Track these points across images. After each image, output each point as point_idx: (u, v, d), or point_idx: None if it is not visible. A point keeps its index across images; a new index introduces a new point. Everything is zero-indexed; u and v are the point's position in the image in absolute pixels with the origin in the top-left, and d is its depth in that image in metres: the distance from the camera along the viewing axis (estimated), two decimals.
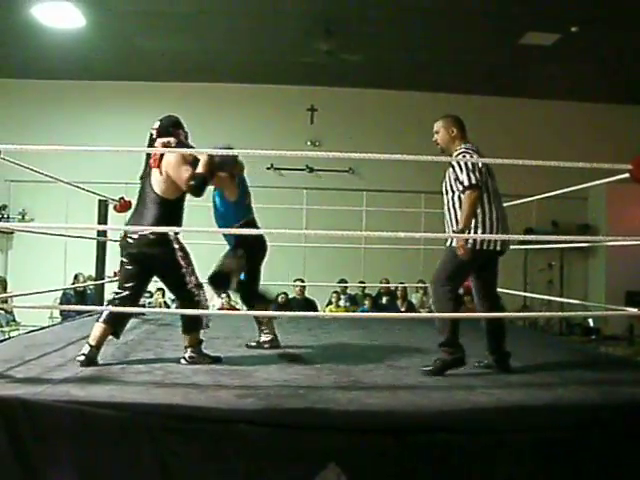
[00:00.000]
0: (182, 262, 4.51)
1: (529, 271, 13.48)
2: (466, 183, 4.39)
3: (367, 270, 12.46)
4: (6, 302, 8.18)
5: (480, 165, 4.42)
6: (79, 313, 7.82)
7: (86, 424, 3.21)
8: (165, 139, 4.58)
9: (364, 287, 12.17)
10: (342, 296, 11.90)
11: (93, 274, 7.59)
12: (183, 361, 4.56)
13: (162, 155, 4.51)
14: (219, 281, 5.14)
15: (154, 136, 4.65)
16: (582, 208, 13.64)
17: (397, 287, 11.71)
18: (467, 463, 3.22)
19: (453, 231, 4.48)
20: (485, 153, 4.65)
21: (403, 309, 11.43)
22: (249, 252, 5.25)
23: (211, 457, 3.18)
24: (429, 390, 3.88)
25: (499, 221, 4.50)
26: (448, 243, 4.55)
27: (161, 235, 4.43)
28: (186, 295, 4.56)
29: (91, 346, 4.41)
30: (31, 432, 3.19)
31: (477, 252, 4.41)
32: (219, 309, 9.78)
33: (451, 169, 4.53)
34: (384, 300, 11.90)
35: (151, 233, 4.44)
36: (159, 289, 11.50)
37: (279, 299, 11.33)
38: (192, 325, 4.64)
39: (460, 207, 4.44)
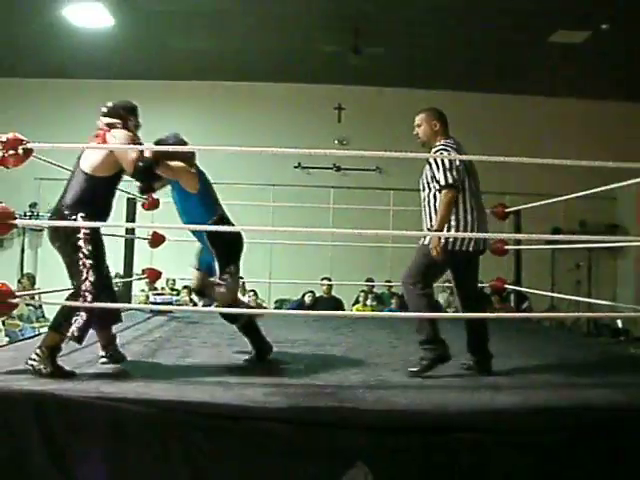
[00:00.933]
0: (81, 252, 3.96)
1: (556, 271, 13.38)
2: (442, 182, 4.30)
3: (394, 269, 12.38)
4: (33, 298, 8.26)
5: (457, 163, 4.31)
6: None
7: (116, 419, 3.25)
8: (110, 120, 4.26)
9: (391, 286, 12.13)
10: (369, 295, 11.87)
11: (121, 272, 7.63)
12: (28, 361, 3.86)
13: (105, 134, 4.21)
14: (231, 315, 4.54)
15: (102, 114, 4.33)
16: (611, 208, 13.44)
17: None
18: (494, 463, 3.22)
19: (428, 229, 4.41)
20: (467, 149, 4.52)
21: None
22: (234, 256, 4.65)
23: (238, 454, 3.20)
24: (456, 390, 3.88)
25: (475, 221, 4.38)
26: (420, 241, 4.47)
27: (66, 215, 4.03)
28: (74, 291, 4.03)
29: (105, 346, 4.31)
30: (63, 426, 3.24)
31: (449, 252, 4.31)
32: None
33: (428, 166, 4.45)
34: None
35: (54, 214, 4.13)
36: (185, 287, 11.57)
37: (306, 298, 11.36)
38: (57, 323, 3.99)
39: (435, 205, 4.37)
